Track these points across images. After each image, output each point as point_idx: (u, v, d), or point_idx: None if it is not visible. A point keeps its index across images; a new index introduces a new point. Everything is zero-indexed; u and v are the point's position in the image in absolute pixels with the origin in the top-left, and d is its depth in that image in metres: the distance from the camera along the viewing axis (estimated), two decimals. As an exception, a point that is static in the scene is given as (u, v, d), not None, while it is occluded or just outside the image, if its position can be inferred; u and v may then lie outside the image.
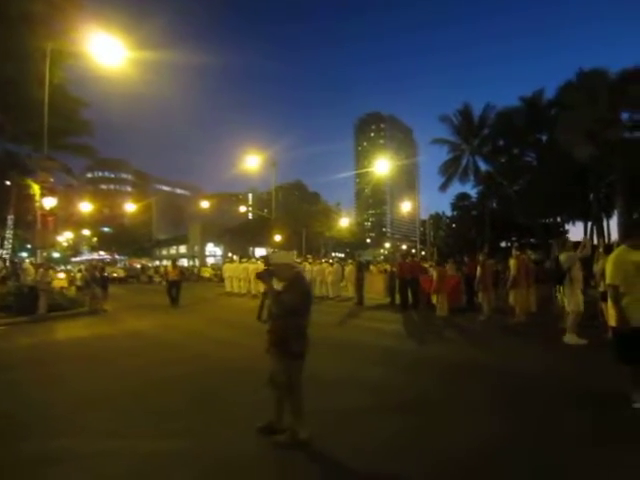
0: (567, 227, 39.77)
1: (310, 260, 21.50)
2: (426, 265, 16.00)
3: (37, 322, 11.83)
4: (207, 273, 41.20)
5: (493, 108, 36.50)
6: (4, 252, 31.96)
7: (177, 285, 15.87)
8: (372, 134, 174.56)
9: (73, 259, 68.42)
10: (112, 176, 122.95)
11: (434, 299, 12.30)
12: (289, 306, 3.47)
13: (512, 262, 10.19)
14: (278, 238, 38.14)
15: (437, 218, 63.53)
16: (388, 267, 19.28)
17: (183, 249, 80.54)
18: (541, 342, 8.05)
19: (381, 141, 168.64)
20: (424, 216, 57.73)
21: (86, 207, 43.02)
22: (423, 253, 42.42)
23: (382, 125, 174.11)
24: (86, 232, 67.81)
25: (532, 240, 38.21)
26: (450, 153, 39.28)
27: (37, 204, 15.48)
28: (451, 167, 39.33)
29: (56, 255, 50.06)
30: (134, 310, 15.16)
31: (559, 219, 38.48)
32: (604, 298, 6.42)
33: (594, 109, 25.43)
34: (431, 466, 3.21)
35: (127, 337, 9.57)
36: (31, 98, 16.89)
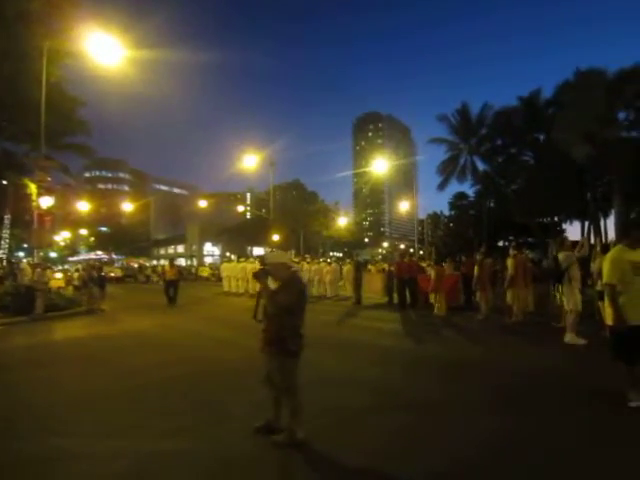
0: (564, 226, 39.89)
1: (308, 259, 21.51)
2: (424, 264, 16.02)
3: (34, 322, 11.80)
4: (205, 273, 41.19)
5: (491, 108, 36.47)
6: (1, 252, 31.89)
7: (175, 285, 15.85)
8: (370, 133, 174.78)
9: (70, 259, 68.29)
10: (110, 175, 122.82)
11: (432, 298, 12.32)
12: (284, 305, 3.48)
13: (510, 261, 10.21)
14: (276, 237, 38.17)
15: (435, 217, 63.65)
16: (386, 266, 19.28)
17: (181, 249, 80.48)
18: (539, 341, 8.07)
19: (379, 140, 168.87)
20: (422, 215, 57.86)
21: (83, 206, 42.84)
22: (421, 252, 42.50)
23: (380, 124, 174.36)
24: (83, 232, 67.66)
25: (529, 239, 38.35)
26: (448, 152, 39.26)
27: (34, 203, 15.44)
28: (449, 166, 39.30)
29: (53, 255, 49.92)
30: (132, 310, 15.14)
31: (556, 218, 38.56)
32: (601, 297, 6.44)
33: (591, 109, 25.48)
34: (431, 465, 3.21)
35: (125, 337, 9.55)
36: (28, 97, 16.83)
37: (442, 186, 40.29)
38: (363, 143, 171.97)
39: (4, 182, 28.74)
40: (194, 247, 76.50)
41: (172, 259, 21.04)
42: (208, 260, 69.57)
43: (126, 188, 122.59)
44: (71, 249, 71.16)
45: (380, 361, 6.73)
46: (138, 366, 6.60)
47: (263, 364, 3.65)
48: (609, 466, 3.16)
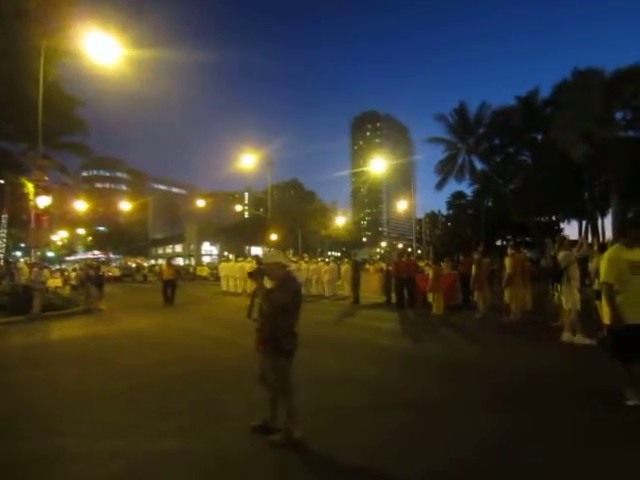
0: (562, 226, 40.01)
1: (306, 259, 21.50)
2: (422, 264, 16.03)
3: (31, 322, 11.78)
4: (204, 272, 41.15)
5: (489, 107, 36.56)
6: (-2, 251, 31.77)
7: (172, 284, 15.84)
8: (368, 133, 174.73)
9: (68, 258, 68.17)
10: (107, 175, 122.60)
11: (430, 298, 12.33)
12: (280, 304, 3.49)
13: (507, 260, 10.22)
14: (274, 237, 38.14)
15: (433, 217, 63.61)
16: (384, 266, 19.28)
17: (179, 248, 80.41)
18: (537, 340, 8.08)
19: (377, 140, 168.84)
20: (420, 215, 57.71)
21: (81, 206, 42.69)
22: (419, 252, 42.50)
23: (378, 124, 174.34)
24: (81, 231, 67.50)
25: (527, 238, 38.39)
26: (446, 152, 39.35)
27: (31, 203, 15.39)
28: (447, 166, 39.37)
29: (50, 254, 49.83)
30: (130, 309, 15.12)
31: (554, 218, 38.67)
32: (598, 296, 6.45)
33: (589, 108, 25.54)
34: (429, 465, 3.21)
35: (123, 336, 9.53)
36: (26, 96, 16.76)
37: (440, 185, 40.42)
38: (361, 142, 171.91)
39: (1, 181, 28.68)
40: (192, 246, 76.45)
41: (169, 259, 21.03)
42: (206, 260, 69.51)
43: (124, 187, 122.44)
44: (68, 249, 70.99)
45: (378, 360, 6.73)
46: (136, 365, 6.59)
47: (258, 363, 3.65)
48: (607, 465, 3.16)
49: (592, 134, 26.07)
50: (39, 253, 17.69)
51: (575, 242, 9.30)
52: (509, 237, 40.97)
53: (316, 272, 18.20)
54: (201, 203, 52.42)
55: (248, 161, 29.74)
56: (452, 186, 43.35)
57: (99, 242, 76.84)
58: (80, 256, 68.36)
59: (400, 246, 80.00)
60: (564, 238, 8.77)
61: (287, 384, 3.56)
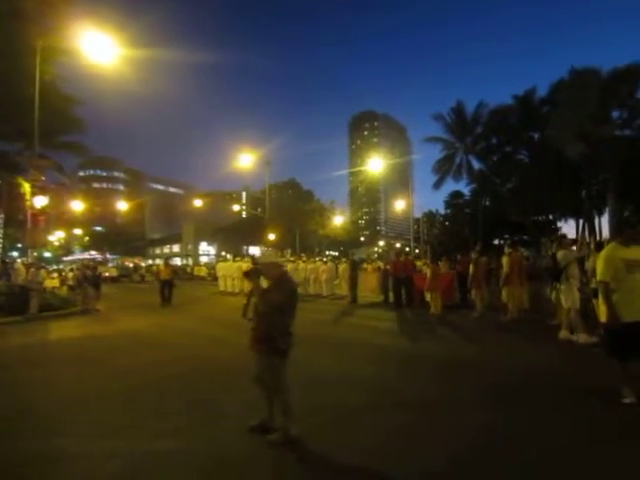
0: (559, 224, 40.12)
1: (304, 258, 21.50)
2: (419, 263, 16.04)
3: (29, 322, 11.75)
4: (202, 272, 41.10)
5: (486, 106, 36.66)
6: (-5, 251, 31.63)
7: (169, 284, 15.80)
8: (366, 132, 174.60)
9: (64, 258, 67.92)
10: (104, 174, 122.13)
11: (428, 297, 12.34)
12: (276, 304, 3.50)
13: (505, 259, 10.24)
14: (272, 237, 38.10)
15: (431, 216, 63.77)
16: (381, 265, 19.29)
17: (176, 248, 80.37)
18: (534, 338, 8.09)
19: (375, 139, 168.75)
20: (418, 214, 57.88)
21: (78, 206, 42.53)
22: (417, 251, 42.54)
23: (376, 123, 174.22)
24: (78, 231, 67.24)
25: (524, 237, 38.49)
26: (443, 151, 39.43)
27: (28, 203, 15.34)
28: (445, 165, 39.45)
29: (47, 255, 49.69)
30: (127, 309, 15.08)
31: (551, 217, 38.76)
32: (595, 295, 6.47)
33: (586, 107, 25.62)
34: (427, 464, 3.21)
35: (120, 336, 9.51)
36: (22, 95, 16.72)
37: (438, 185, 40.52)
38: (359, 142, 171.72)
39: (-3, 181, 28.51)
40: (189, 246, 76.41)
41: (167, 259, 21.02)
42: (204, 259, 69.46)
43: (121, 187, 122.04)
44: (65, 249, 70.67)
45: (376, 360, 6.74)
46: (133, 365, 6.58)
47: (253, 363, 3.66)
48: (603, 463, 3.17)
49: (589, 133, 26.17)
50: (36, 253, 17.65)
51: (575, 241, 9.31)
52: (506, 236, 41.09)
53: (314, 271, 18.20)
54: (198, 203, 52.36)
55: (246, 161, 29.71)
56: (450, 185, 43.65)
57: (96, 242, 76.57)
58: (77, 256, 68.13)
59: (398, 245, 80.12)
60: (563, 237, 8.77)
61: (281, 383, 3.57)
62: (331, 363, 6.45)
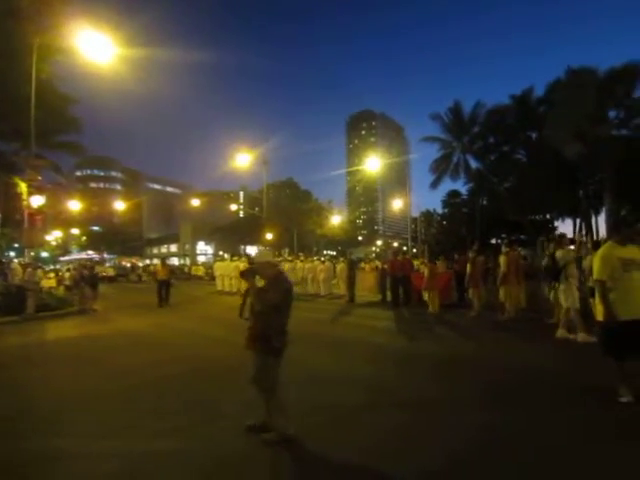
0: (556, 224, 40.26)
1: (302, 258, 21.49)
2: (417, 262, 16.05)
3: (25, 322, 11.72)
4: (200, 271, 41.06)
5: (483, 106, 36.67)
6: (-9, 251, 31.53)
7: (167, 284, 15.75)
8: (363, 132, 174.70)
9: (62, 258, 67.66)
10: (102, 174, 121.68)
11: (425, 296, 12.35)
12: (272, 303, 3.51)
13: (502, 258, 10.26)
14: (269, 236, 38.05)
15: (428, 215, 63.74)
16: (379, 264, 19.30)
17: (174, 248, 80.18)
18: (531, 337, 8.12)
19: (372, 139, 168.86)
20: (415, 213, 57.84)
21: (75, 206, 42.45)
22: (414, 250, 42.60)
23: (373, 123, 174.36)
24: (75, 231, 67.05)
25: (522, 237, 38.56)
26: (441, 151, 39.46)
27: (25, 203, 15.29)
28: (442, 164, 39.48)
29: (44, 254, 49.48)
30: (124, 309, 15.05)
31: (548, 216, 38.85)
32: (592, 294, 6.48)
33: (583, 107, 25.68)
34: (425, 464, 3.22)
35: (118, 336, 9.49)
36: (18, 94, 16.64)
37: (435, 184, 40.52)
38: (356, 141, 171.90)
39: (-7, 181, 28.39)
40: (187, 246, 76.23)
41: (164, 258, 20.98)
42: (201, 259, 69.36)
43: (118, 187, 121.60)
44: (63, 249, 70.41)
45: (374, 359, 6.74)
46: (131, 365, 6.57)
47: (252, 363, 3.65)
48: (599, 462, 3.18)
49: (586, 133, 26.23)
50: (33, 253, 17.55)
51: (573, 241, 9.31)
52: (504, 235, 41.21)
53: (312, 271, 18.21)
54: (196, 202, 52.31)
55: (243, 160, 29.67)
56: (447, 185, 43.67)
57: (93, 242, 76.38)
58: (74, 256, 67.83)
59: (395, 245, 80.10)
60: (562, 236, 8.77)
61: (275, 382, 3.57)
62: (329, 362, 6.46)
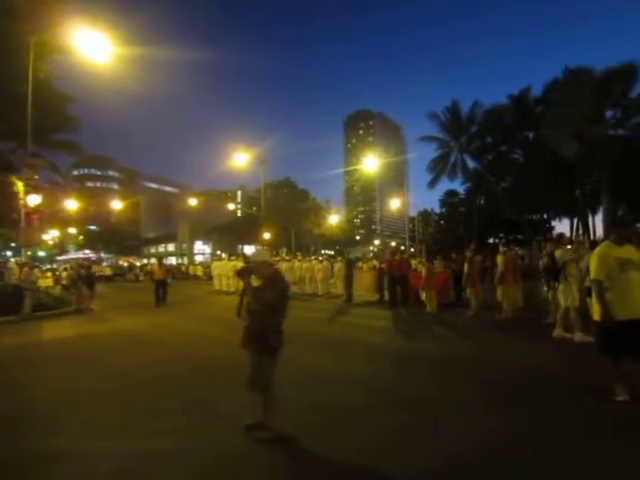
0: (553, 223, 40.36)
1: (299, 257, 21.48)
2: (414, 262, 16.06)
3: (22, 322, 11.69)
4: (198, 271, 40.96)
5: (481, 106, 36.70)
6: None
7: (164, 284, 15.73)
8: (361, 131, 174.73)
9: (59, 258, 67.49)
10: (99, 173, 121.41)
11: (423, 295, 12.37)
12: (268, 302, 3.51)
13: (499, 258, 10.29)
14: (267, 236, 38.05)
15: (426, 215, 63.81)
16: (376, 264, 19.30)
17: (171, 247, 79.99)
18: (528, 337, 8.13)
19: (370, 138, 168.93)
20: (413, 213, 57.92)
21: (72, 205, 42.29)
22: (412, 250, 42.62)
23: (371, 122, 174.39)
24: (72, 230, 66.82)
25: (519, 236, 38.65)
26: (438, 150, 39.47)
27: (21, 202, 15.23)
28: (439, 164, 39.50)
29: (41, 254, 49.31)
30: (121, 309, 15.02)
31: (545, 215, 38.94)
32: (589, 293, 6.49)
33: (579, 107, 25.74)
34: (424, 463, 3.23)
35: (115, 336, 9.48)
36: (15, 93, 16.58)
37: (433, 184, 40.56)
38: (354, 141, 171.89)
39: (-11, 180, 28.25)
40: (184, 245, 76.07)
41: (160, 258, 20.88)
42: (199, 258, 69.21)
43: (115, 186, 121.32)
44: (60, 248, 70.22)
45: (372, 358, 6.75)
46: (128, 365, 6.56)
47: (248, 363, 3.64)
48: (596, 461, 3.20)
49: (583, 132, 26.29)
50: (30, 253, 17.51)
51: (571, 241, 9.29)
52: (501, 235, 41.27)
53: (309, 270, 18.20)
54: (193, 202, 52.18)
55: (241, 159, 29.67)
56: (445, 184, 43.79)
57: (90, 241, 76.19)
58: (71, 255, 67.67)
59: (393, 244, 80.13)
60: (561, 236, 8.77)
61: (271, 382, 3.58)
62: (327, 362, 6.46)
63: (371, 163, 37.37)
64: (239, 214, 69.53)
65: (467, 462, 3.23)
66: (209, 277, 27.88)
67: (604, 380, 4.41)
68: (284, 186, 68.62)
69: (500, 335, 8.58)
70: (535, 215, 38.28)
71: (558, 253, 7.69)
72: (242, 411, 3.99)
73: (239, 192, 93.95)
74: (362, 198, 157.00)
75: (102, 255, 72.19)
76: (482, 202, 41.75)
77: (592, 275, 4.36)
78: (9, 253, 43.39)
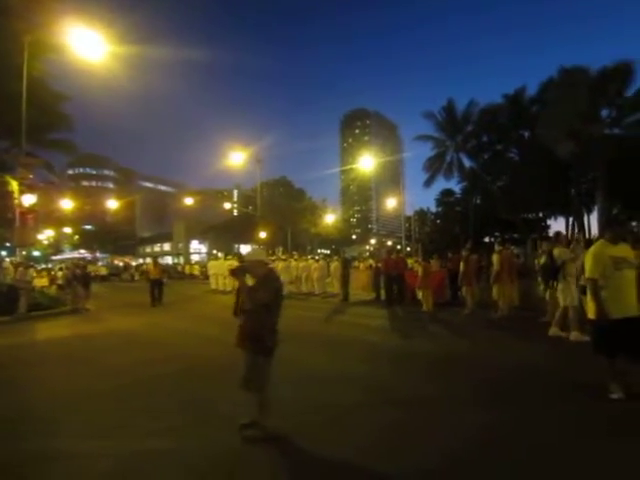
0: (549, 222, 40.52)
1: (296, 257, 21.48)
2: (410, 261, 16.09)
3: (18, 322, 11.63)
4: (194, 270, 40.84)
5: (476, 105, 36.83)
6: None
7: (159, 283, 15.67)
8: (357, 130, 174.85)
9: (54, 257, 67.16)
10: (94, 173, 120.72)
11: (419, 294, 12.39)
12: (263, 302, 3.51)
13: (495, 257, 10.31)
14: (263, 235, 37.98)
15: (422, 214, 63.88)
16: (373, 263, 19.32)
17: (167, 246, 79.68)
18: (524, 335, 8.16)
19: (366, 137, 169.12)
20: (409, 212, 57.94)
21: (67, 204, 42.11)
22: (408, 249, 42.68)
23: (367, 121, 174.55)
24: (67, 230, 66.53)
25: (515, 235, 38.78)
26: (434, 149, 39.57)
27: (16, 201, 15.14)
28: (435, 163, 39.60)
29: (36, 253, 49.06)
30: (117, 309, 14.97)
31: (541, 214, 39.09)
32: (584, 292, 6.52)
33: (575, 106, 25.84)
34: (420, 461, 3.23)
35: (111, 336, 9.44)
36: (9, 92, 16.46)
37: (429, 183, 40.65)
38: (350, 140, 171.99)
39: (-17, 179, 28.05)
40: (180, 245, 75.82)
41: (156, 258, 20.81)
42: (195, 258, 69.05)
43: (111, 185, 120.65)
44: (55, 248, 69.86)
45: (368, 357, 6.75)
46: (124, 365, 6.54)
47: (243, 362, 3.64)
48: (590, 458, 3.21)
49: (578, 132, 26.40)
50: (25, 252, 17.41)
51: (569, 241, 9.27)
52: (497, 234, 41.42)
53: (306, 270, 18.19)
54: (189, 201, 52.00)
55: (237, 159, 29.60)
56: (441, 183, 43.65)
57: (86, 241, 75.82)
58: (67, 255, 67.33)
59: (389, 243, 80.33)
60: (559, 234, 8.77)
61: (265, 381, 3.58)
62: (323, 361, 6.46)
63: (367, 162, 37.39)
64: (235, 213, 69.50)
65: (462, 460, 3.23)
66: (205, 276, 27.84)
67: (599, 378, 4.43)
68: (280, 185, 68.71)
69: (496, 334, 8.61)
70: (530, 214, 38.42)
71: (556, 252, 7.68)
72: (237, 410, 3.97)
73: (235, 191, 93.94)
74: (358, 197, 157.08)
75: (97, 255, 71.95)
76: (478, 201, 41.88)
77: (587, 274, 4.38)
78: (4, 253, 43.11)
